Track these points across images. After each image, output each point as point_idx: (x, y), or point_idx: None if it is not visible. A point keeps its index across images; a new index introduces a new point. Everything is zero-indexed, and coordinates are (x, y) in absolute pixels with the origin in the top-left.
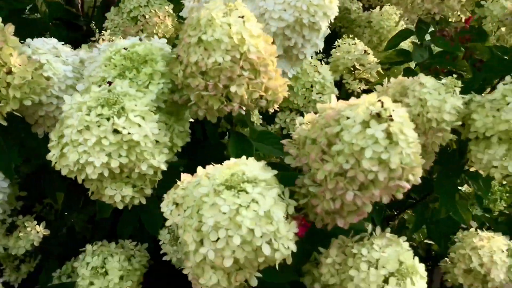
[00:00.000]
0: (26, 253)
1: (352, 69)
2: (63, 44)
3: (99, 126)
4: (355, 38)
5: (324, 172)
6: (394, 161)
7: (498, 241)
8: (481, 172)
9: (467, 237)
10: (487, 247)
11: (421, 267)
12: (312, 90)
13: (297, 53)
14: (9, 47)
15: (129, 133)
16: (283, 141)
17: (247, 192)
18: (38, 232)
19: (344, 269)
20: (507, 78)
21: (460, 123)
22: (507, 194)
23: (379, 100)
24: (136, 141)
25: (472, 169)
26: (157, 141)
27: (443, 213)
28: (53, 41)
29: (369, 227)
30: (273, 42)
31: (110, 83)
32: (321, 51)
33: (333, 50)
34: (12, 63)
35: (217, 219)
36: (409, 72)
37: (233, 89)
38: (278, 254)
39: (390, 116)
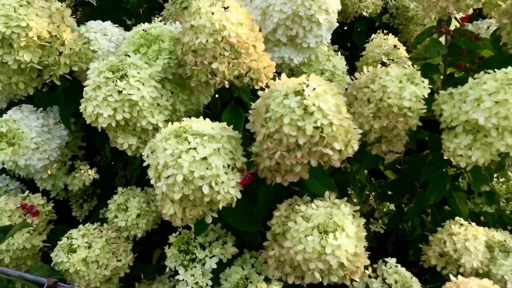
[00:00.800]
0: (88, 194)
1: (381, 62)
2: (117, 26)
3: (106, 86)
4: (389, 33)
5: (261, 134)
6: (309, 129)
7: (476, 230)
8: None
9: (447, 224)
10: (462, 234)
11: (350, 227)
12: (321, 77)
13: (301, 42)
14: (64, 25)
15: (129, 94)
16: (250, 111)
17: (188, 141)
18: (89, 175)
19: (287, 221)
20: (481, 73)
21: (424, 110)
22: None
23: (306, 79)
24: (135, 101)
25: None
26: (158, 104)
27: (432, 200)
28: (106, 23)
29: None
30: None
31: (129, 56)
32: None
33: (367, 44)
34: (65, 37)
35: (166, 160)
36: (428, 67)
37: (214, 65)
38: (219, 196)
39: (301, 91)
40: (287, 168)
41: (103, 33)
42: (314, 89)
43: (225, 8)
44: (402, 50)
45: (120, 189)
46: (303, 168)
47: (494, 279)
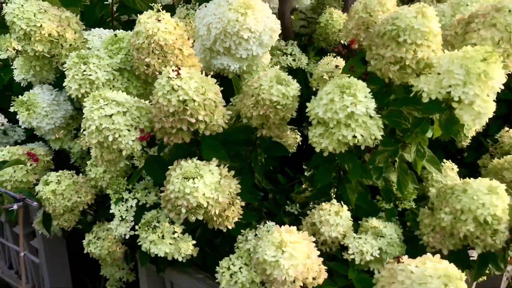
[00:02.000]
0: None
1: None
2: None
3: (74, 67)
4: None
5: (152, 104)
6: (174, 101)
7: (340, 208)
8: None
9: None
10: (327, 209)
11: (209, 178)
12: None
13: (234, 53)
14: (69, 27)
15: (88, 75)
16: None
17: (99, 104)
18: (86, 142)
19: (171, 172)
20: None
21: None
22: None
23: (178, 68)
24: (92, 80)
25: None
26: (114, 86)
27: (319, 184)
28: (105, 30)
29: None
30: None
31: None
32: None
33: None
34: (68, 36)
35: (86, 114)
36: None
37: (147, 60)
38: (121, 146)
39: (171, 77)
40: (170, 131)
41: (99, 36)
42: (178, 74)
43: (158, 20)
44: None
45: None
46: (183, 133)
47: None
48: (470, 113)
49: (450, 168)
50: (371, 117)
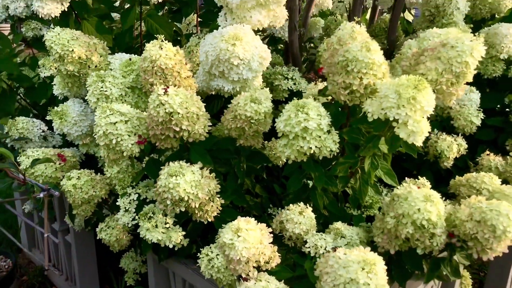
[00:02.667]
0: None
1: None
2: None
3: (93, 85)
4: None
5: (148, 114)
6: (162, 113)
7: (303, 209)
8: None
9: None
10: (292, 210)
11: (189, 176)
12: None
13: (228, 76)
14: (96, 52)
15: (105, 90)
16: None
17: (106, 113)
18: None
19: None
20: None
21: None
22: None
23: (166, 87)
24: (107, 95)
25: None
26: (125, 100)
27: (291, 189)
28: (126, 55)
29: None
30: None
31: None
32: None
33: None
34: (94, 59)
35: (96, 121)
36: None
37: (151, 80)
38: (123, 148)
39: (160, 94)
40: (160, 137)
41: (120, 60)
42: (165, 91)
43: (161, 48)
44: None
45: None
46: (171, 139)
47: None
48: (405, 131)
49: (421, 184)
50: (329, 132)
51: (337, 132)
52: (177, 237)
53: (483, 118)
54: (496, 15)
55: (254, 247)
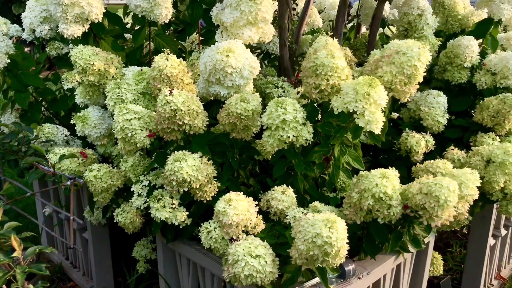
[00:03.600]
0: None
1: None
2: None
3: (111, 91)
4: None
5: (157, 111)
6: (168, 110)
7: (285, 189)
8: None
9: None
10: (276, 190)
11: (190, 161)
12: None
13: (223, 83)
14: (112, 65)
15: (121, 96)
16: None
17: (123, 112)
18: None
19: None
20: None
21: (251, 117)
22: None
23: (171, 89)
24: (123, 99)
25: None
26: (138, 103)
27: (276, 174)
28: (138, 68)
29: None
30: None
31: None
32: None
33: None
34: (111, 71)
35: (114, 118)
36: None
37: (158, 86)
38: (137, 140)
39: (166, 94)
40: (167, 131)
41: (133, 71)
42: (170, 93)
43: (167, 60)
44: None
45: None
46: (176, 132)
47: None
48: (363, 121)
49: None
50: (304, 124)
51: (312, 125)
52: (181, 215)
53: (451, 118)
54: (466, 29)
55: (242, 214)
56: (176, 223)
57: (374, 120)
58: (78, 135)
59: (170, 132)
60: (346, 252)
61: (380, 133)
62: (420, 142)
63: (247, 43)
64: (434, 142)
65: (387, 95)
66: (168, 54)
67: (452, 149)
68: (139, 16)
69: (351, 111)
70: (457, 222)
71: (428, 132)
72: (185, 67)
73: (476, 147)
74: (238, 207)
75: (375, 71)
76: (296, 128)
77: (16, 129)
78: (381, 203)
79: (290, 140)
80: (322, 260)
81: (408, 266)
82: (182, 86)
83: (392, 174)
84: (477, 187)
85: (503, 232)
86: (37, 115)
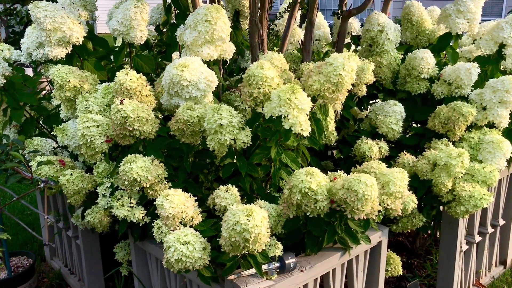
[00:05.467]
0: None
1: None
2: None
3: (79, 103)
4: None
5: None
6: (118, 117)
7: (228, 188)
8: None
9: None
10: (221, 189)
11: (140, 162)
12: None
13: (181, 95)
14: (87, 82)
15: (88, 107)
16: None
17: (84, 120)
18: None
19: None
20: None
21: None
22: None
23: (122, 99)
24: (90, 110)
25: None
26: (104, 114)
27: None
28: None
29: None
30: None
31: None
32: None
33: None
34: (85, 87)
35: (77, 127)
36: None
37: (119, 98)
38: (95, 145)
39: (117, 104)
40: (120, 136)
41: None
42: (121, 102)
43: (126, 74)
44: None
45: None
46: (129, 138)
47: None
48: (287, 124)
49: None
50: (243, 129)
51: (251, 129)
52: (139, 214)
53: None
54: (434, 44)
55: (178, 207)
56: (134, 221)
57: (298, 123)
58: (60, 146)
59: (123, 137)
60: (268, 240)
61: (317, 137)
62: (372, 148)
63: (207, 60)
64: (388, 148)
65: (318, 102)
66: (128, 70)
67: (405, 155)
68: (117, 38)
69: (277, 115)
70: (411, 225)
71: (383, 139)
72: (144, 81)
73: (425, 152)
74: (174, 201)
75: (307, 80)
76: (233, 131)
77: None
78: (308, 198)
79: (228, 142)
80: (244, 246)
81: (361, 264)
82: (141, 98)
83: (317, 171)
84: (430, 190)
85: (478, 238)
86: (31, 129)
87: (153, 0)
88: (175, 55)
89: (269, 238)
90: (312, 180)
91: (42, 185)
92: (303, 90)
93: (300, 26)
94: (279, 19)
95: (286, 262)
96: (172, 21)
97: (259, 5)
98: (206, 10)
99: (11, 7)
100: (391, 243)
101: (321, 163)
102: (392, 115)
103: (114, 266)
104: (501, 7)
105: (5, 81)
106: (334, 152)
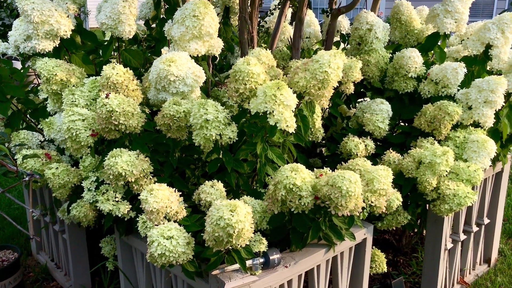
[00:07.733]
0: None
1: None
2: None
3: (66, 97)
4: None
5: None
6: (104, 111)
7: (214, 183)
8: None
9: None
10: (206, 184)
11: (125, 157)
12: None
13: (168, 90)
14: (74, 75)
15: (74, 101)
16: None
17: (69, 114)
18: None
19: None
20: None
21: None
22: None
23: (108, 93)
24: (77, 103)
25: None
26: (90, 108)
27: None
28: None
29: None
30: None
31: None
32: None
33: None
34: (72, 80)
35: (62, 120)
36: None
37: (105, 91)
38: (80, 139)
39: (103, 98)
40: (106, 130)
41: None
42: (107, 96)
43: (113, 68)
44: None
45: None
46: (114, 131)
47: None
48: (273, 119)
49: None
50: (229, 124)
51: (237, 125)
52: (124, 208)
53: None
54: (422, 43)
55: (163, 201)
56: (119, 215)
57: (283, 119)
58: (47, 139)
59: (108, 131)
60: (252, 235)
61: (303, 134)
62: (358, 146)
63: (195, 55)
64: (374, 146)
65: (304, 99)
66: (115, 64)
67: (390, 153)
68: (106, 32)
69: (262, 111)
70: (396, 222)
71: (369, 137)
72: (131, 76)
73: (410, 150)
74: (159, 196)
75: (294, 77)
76: (219, 127)
77: None
78: (293, 193)
79: (214, 138)
80: (227, 241)
81: (346, 261)
82: (127, 92)
83: (302, 167)
84: (415, 188)
85: (462, 237)
86: (17, 123)
87: None
88: (165, 50)
89: (254, 233)
90: (297, 176)
91: (27, 179)
92: (290, 87)
93: (290, 23)
94: (270, 16)
95: (271, 257)
96: (161, 16)
97: (249, 1)
98: (194, 5)
99: (1, 0)
100: (377, 241)
101: (309, 160)
102: (379, 113)
103: (100, 260)
104: (492, 8)
105: None
106: (323, 149)
